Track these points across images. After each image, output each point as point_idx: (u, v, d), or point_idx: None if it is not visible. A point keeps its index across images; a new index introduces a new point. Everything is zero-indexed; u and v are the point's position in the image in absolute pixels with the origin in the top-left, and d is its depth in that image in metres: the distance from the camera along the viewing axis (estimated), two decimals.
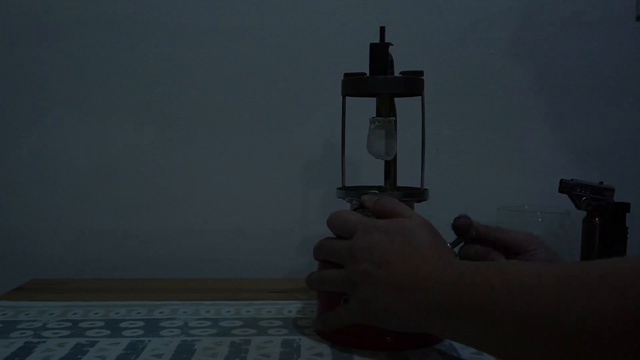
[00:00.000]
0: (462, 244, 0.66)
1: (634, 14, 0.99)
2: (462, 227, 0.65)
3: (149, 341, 0.62)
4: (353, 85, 0.68)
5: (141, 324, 0.68)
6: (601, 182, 0.79)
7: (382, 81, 0.67)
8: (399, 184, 0.73)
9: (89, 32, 0.96)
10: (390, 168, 0.71)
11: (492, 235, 0.64)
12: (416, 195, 0.68)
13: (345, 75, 0.70)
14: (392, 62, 0.69)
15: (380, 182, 0.72)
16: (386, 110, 0.69)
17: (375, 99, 0.71)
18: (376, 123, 0.68)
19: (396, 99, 0.72)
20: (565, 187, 0.78)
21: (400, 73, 0.68)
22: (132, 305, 0.75)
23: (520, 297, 0.44)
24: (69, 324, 0.67)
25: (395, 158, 0.70)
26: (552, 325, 0.42)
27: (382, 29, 0.68)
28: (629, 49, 1.00)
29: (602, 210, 0.78)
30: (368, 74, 0.68)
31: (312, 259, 0.64)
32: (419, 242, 0.56)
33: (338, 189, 0.70)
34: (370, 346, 0.59)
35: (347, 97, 0.71)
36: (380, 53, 0.67)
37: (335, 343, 0.61)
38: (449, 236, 0.64)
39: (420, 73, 0.68)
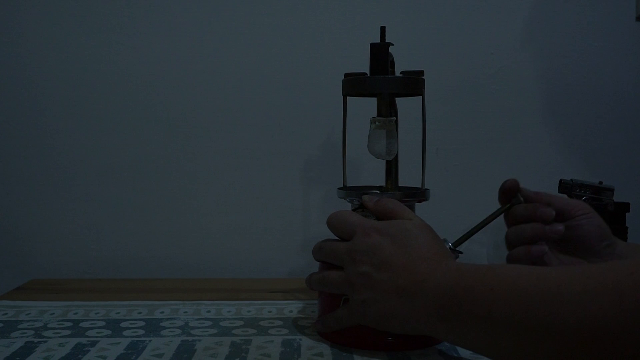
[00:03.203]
0: (504, 212, 0.66)
1: (634, 14, 0.99)
2: (510, 190, 0.64)
3: (150, 341, 0.62)
4: (354, 85, 0.68)
5: (142, 323, 0.68)
6: (601, 182, 0.79)
7: (382, 81, 0.67)
8: (400, 183, 0.73)
9: (89, 32, 0.96)
10: (391, 168, 0.71)
11: (543, 200, 0.64)
12: (417, 195, 0.68)
13: (346, 75, 0.70)
14: (392, 62, 0.69)
15: (382, 182, 0.72)
16: (387, 110, 0.69)
17: (375, 98, 0.71)
18: (377, 123, 0.68)
19: (397, 99, 0.72)
20: (565, 187, 0.78)
21: (400, 73, 0.68)
22: (133, 305, 0.75)
23: (519, 301, 0.44)
24: (70, 323, 0.67)
25: (396, 158, 0.70)
26: (550, 329, 0.42)
27: (383, 29, 0.68)
28: (629, 49, 1.00)
29: (601, 210, 0.78)
30: (369, 74, 0.68)
31: (312, 259, 0.65)
32: (419, 245, 0.56)
33: (339, 189, 0.70)
34: (370, 346, 0.59)
35: (347, 97, 0.72)
36: (380, 53, 0.67)
37: (336, 343, 0.61)
38: (450, 236, 0.64)
39: (421, 73, 0.68)
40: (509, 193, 0.65)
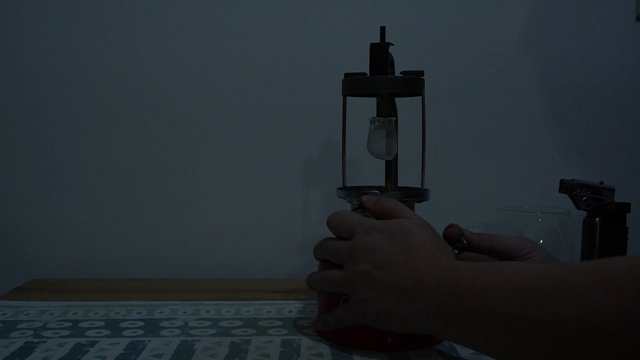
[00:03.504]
0: (455, 252, 0.66)
1: (634, 14, 0.99)
2: (452, 236, 0.64)
3: (149, 341, 0.62)
4: (353, 85, 0.68)
5: (141, 324, 0.68)
6: (601, 182, 0.79)
7: (382, 81, 0.67)
8: (400, 184, 0.73)
9: (88, 32, 0.96)
10: (391, 168, 0.71)
11: (485, 243, 0.64)
12: (417, 195, 0.67)
13: (346, 75, 0.70)
14: (392, 62, 0.69)
15: (381, 182, 0.72)
16: (386, 110, 0.69)
17: (375, 99, 0.71)
18: (376, 123, 0.68)
19: (397, 99, 0.72)
20: (566, 187, 0.78)
21: (400, 73, 0.68)
22: (132, 305, 0.75)
23: (518, 298, 0.45)
24: (69, 324, 0.67)
25: (396, 158, 0.70)
26: (550, 326, 0.42)
27: (383, 29, 0.68)
28: (629, 49, 1.00)
29: (602, 210, 0.78)
30: (368, 74, 0.68)
31: (312, 259, 0.65)
32: (419, 243, 0.56)
33: (338, 189, 0.70)
34: (370, 346, 0.59)
35: (347, 97, 0.71)
36: (380, 53, 0.66)
37: (335, 343, 0.61)
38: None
39: (421, 73, 0.68)
40: (452, 239, 0.64)
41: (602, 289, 0.40)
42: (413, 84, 0.68)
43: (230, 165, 0.99)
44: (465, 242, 0.64)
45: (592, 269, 0.42)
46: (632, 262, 0.40)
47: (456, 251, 0.64)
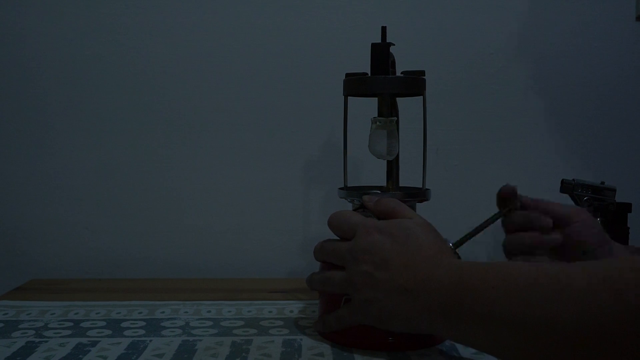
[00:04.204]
0: (501, 217, 0.65)
1: (634, 14, 0.99)
2: (507, 196, 0.64)
3: (150, 341, 0.62)
4: (354, 85, 0.68)
5: (142, 323, 0.67)
6: (603, 182, 0.79)
7: (383, 81, 0.67)
8: (401, 184, 0.73)
9: (88, 32, 0.96)
10: (392, 168, 0.71)
11: (540, 206, 0.64)
12: (418, 195, 0.68)
13: (347, 75, 0.70)
14: (393, 62, 0.69)
15: (383, 182, 0.72)
16: (388, 110, 0.69)
17: (376, 98, 0.71)
18: (378, 123, 0.68)
19: (398, 99, 0.72)
20: (567, 187, 0.78)
21: (401, 73, 0.68)
22: (134, 305, 0.75)
23: (519, 298, 0.45)
24: (71, 323, 0.67)
25: (397, 158, 0.70)
26: (551, 326, 0.42)
27: (384, 29, 0.68)
28: (629, 49, 1.00)
29: (603, 210, 0.78)
30: (369, 74, 0.68)
31: (313, 259, 0.64)
32: (420, 243, 0.56)
33: (340, 189, 0.70)
34: (371, 346, 0.59)
35: (348, 97, 0.71)
36: (381, 53, 0.67)
37: (337, 343, 0.61)
38: (449, 237, 0.64)
39: (422, 73, 0.68)
40: (507, 198, 0.64)
41: (603, 288, 0.40)
42: (414, 84, 0.68)
43: (230, 165, 0.99)
44: (519, 204, 0.64)
45: (594, 268, 0.42)
46: (634, 262, 0.40)
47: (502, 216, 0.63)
